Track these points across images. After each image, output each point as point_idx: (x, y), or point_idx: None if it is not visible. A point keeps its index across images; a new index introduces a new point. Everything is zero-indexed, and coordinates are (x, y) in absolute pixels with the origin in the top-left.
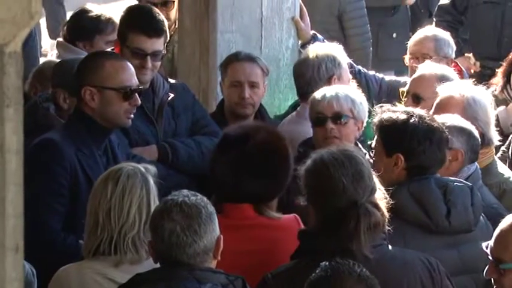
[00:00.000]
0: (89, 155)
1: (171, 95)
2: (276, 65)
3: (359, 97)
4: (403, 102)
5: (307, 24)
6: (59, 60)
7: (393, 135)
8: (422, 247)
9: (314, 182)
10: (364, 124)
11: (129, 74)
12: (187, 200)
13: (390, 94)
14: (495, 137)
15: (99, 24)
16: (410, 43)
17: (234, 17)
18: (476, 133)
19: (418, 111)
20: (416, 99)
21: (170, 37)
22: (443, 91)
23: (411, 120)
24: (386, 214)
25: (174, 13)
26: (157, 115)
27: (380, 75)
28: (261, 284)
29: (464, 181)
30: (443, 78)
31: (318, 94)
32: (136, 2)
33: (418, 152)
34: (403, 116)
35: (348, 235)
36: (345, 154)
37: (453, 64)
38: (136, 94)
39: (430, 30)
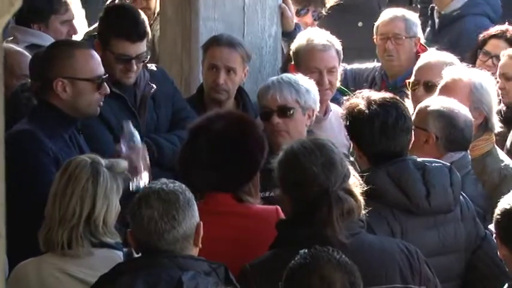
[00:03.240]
0: (61, 144)
1: (154, 87)
2: (258, 53)
3: (305, 85)
4: (410, 93)
5: (292, 12)
6: (15, 45)
7: (347, 128)
8: (404, 229)
9: (286, 172)
10: (316, 111)
11: (98, 63)
12: (164, 187)
13: (356, 81)
14: (497, 124)
15: (53, 4)
16: (379, 24)
17: (216, 4)
18: (464, 123)
19: (371, 94)
20: (428, 87)
21: (150, 26)
22: (449, 74)
23: (357, 106)
24: (362, 200)
25: (154, 2)
26: (140, 108)
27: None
28: (240, 275)
29: (442, 161)
30: (450, 64)
31: (263, 85)
32: None
33: (366, 139)
34: (352, 102)
35: (321, 223)
36: (315, 143)
37: (419, 45)
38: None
39: (397, 10)
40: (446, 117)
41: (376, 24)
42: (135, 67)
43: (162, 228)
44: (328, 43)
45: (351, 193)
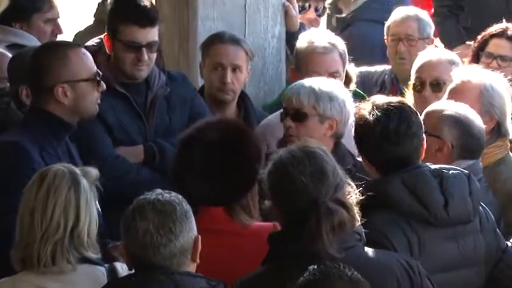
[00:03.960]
0: (54, 153)
1: (167, 89)
2: (261, 55)
3: (331, 93)
4: (414, 95)
5: (297, 11)
6: None
7: (354, 136)
8: (422, 240)
9: (274, 183)
10: (346, 122)
11: (91, 60)
12: (160, 197)
13: (365, 85)
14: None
15: (36, 2)
16: (391, 24)
17: (215, 2)
18: (478, 131)
19: (380, 98)
20: (436, 86)
21: None
22: (459, 75)
23: (359, 114)
24: (356, 212)
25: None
26: (149, 110)
27: None
28: None
29: (460, 169)
30: (452, 62)
31: (289, 86)
32: None
33: (369, 147)
34: (357, 111)
35: (310, 236)
36: (304, 151)
37: (434, 46)
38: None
39: (409, 9)
40: (462, 125)
41: (386, 24)
42: (145, 56)
43: (158, 242)
44: (330, 45)
45: (343, 204)
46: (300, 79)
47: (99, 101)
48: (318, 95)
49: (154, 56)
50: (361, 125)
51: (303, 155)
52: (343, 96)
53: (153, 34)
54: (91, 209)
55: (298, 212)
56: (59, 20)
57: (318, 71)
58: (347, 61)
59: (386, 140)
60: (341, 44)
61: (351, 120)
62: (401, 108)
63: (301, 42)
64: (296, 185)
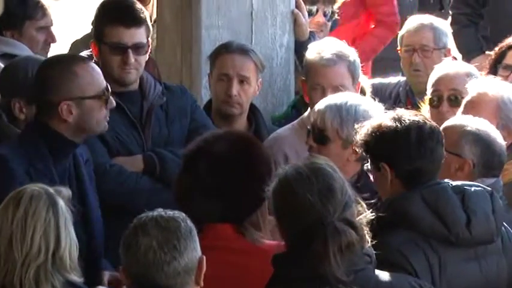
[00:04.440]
0: (44, 170)
1: (164, 99)
2: (268, 65)
3: (359, 116)
4: (430, 110)
5: (306, 19)
6: None
7: (369, 145)
8: (442, 261)
9: (279, 201)
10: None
11: (101, 74)
12: (163, 213)
13: (378, 98)
14: None
15: (28, 9)
16: (404, 33)
17: (220, 10)
18: (500, 148)
19: (401, 112)
20: (454, 101)
21: None
22: (474, 88)
23: (383, 123)
24: (366, 232)
25: (151, 9)
26: (145, 121)
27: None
28: None
29: (482, 185)
30: (471, 75)
31: (320, 102)
32: None
33: (400, 155)
34: (374, 122)
35: (316, 258)
36: (311, 168)
37: (451, 56)
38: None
39: (424, 18)
40: (484, 142)
41: (400, 33)
42: (132, 59)
43: (162, 260)
44: (336, 57)
45: (351, 224)
46: (308, 91)
47: (108, 118)
48: (344, 118)
49: (142, 59)
50: (391, 134)
51: (310, 172)
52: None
53: (139, 35)
54: (70, 231)
55: (303, 232)
56: (53, 28)
57: (321, 84)
58: (359, 73)
59: (419, 151)
60: (352, 55)
61: None
62: (428, 120)
63: (310, 53)
64: (302, 204)
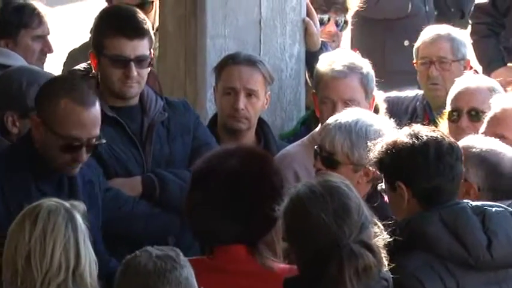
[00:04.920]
0: (19, 185)
1: (165, 115)
2: (277, 77)
3: (370, 138)
4: (448, 125)
5: (318, 29)
6: None
7: (384, 164)
8: (461, 286)
9: (291, 221)
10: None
11: (85, 125)
12: (157, 253)
13: (394, 112)
14: None
15: (23, 16)
16: (420, 45)
17: (226, 18)
18: (509, 169)
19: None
20: (474, 116)
21: None
22: (499, 103)
23: (398, 140)
24: (383, 255)
25: (153, 16)
26: (146, 138)
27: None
28: None
29: (503, 206)
30: (493, 90)
31: (327, 121)
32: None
33: (418, 173)
34: (389, 139)
35: (331, 282)
36: (325, 186)
37: (470, 67)
38: (84, 149)
39: (441, 28)
40: (489, 164)
41: (415, 45)
42: (134, 72)
43: (163, 268)
44: (347, 69)
45: (368, 247)
46: (318, 105)
47: (77, 167)
48: (354, 141)
49: (144, 72)
50: (407, 150)
51: (324, 191)
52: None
53: (142, 47)
54: (89, 247)
55: (317, 254)
56: (49, 37)
57: (330, 97)
58: (373, 87)
59: (438, 168)
60: (365, 67)
61: None
62: (447, 136)
63: (321, 64)
64: (316, 225)
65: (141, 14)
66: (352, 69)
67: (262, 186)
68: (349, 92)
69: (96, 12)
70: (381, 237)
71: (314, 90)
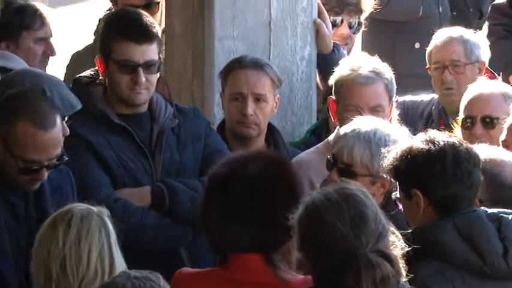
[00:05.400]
0: None
1: (175, 121)
2: (288, 80)
3: (387, 146)
4: (461, 132)
5: (330, 30)
6: None
7: (400, 171)
8: None
9: (306, 230)
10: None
11: (42, 149)
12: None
13: (409, 117)
14: None
15: (25, 18)
16: (432, 49)
17: (235, 19)
18: (508, 180)
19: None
20: (488, 123)
21: None
22: None
23: (414, 146)
24: (401, 265)
25: (159, 17)
26: (155, 146)
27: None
28: None
29: None
30: (507, 96)
31: (342, 130)
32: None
33: (435, 180)
34: (404, 146)
35: None
36: (341, 194)
37: (486, 70)
38: (44, 170)
39: (453, 30)
40: (488, 175)
41: (428, 50)
42: (143, 78)
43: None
44: (373, 75)
45: (386, 256)
46: (338, 112)
47: (36, 184)
48: (374, 152)
49: (153, 78)
50: (424, 156)
51: (340, 198)
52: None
53: (151, 52)
54: (120, 253)
55: (333, 265)
56: (52, 39)
57: (357, 105)
58: (394, 93)
59: (456, 174)
60: (388, 73)
61: None
62: (464, 141)
63: (342, 69)
64: (332, 234)
65: (149, 18)
66: (378, 74)
67: (284, 192)
68: (376, 99)
69: (99, 13)
70: (398, 246)
71: (333, 97)
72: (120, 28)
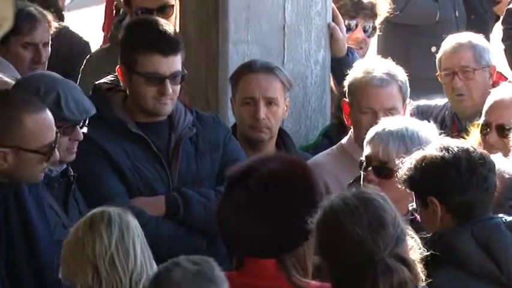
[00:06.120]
0: None
1: (193, 130)
2: (302, 84)
3: (422, 142)
4: (481, 138)
5: (344, 34)
6: None
7: (414, 180)
8: None
9: (324, 234)
10: None
11: (50, 127)
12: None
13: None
14: None
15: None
16: (442, 55)
17: (249, 23)
18: None
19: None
20: (502, 131)
21: None
22: None
23: (427, 154)
24: (420, 270)
25: (173, 21)
26: (172, 154)
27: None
28: None
29: None
30: None
31: (371, 131)
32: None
33: (450, 186)
34: (418, 155)
35: None
36: (359, 198)
37: (496, 74)
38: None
39: (461, 36)
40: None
41: (437, 56)
42: (170, 89)
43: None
44: (387, 77)
45: (404, 261)
46: (352, 114)
47: (46, 170)
48: (409, 147)
49: (178, 88)
50: (438, 164)
51: (358, 203)
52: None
53: (176, 63)
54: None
55: (351, 269)
56: (42, 45)
57: (372, 107)
58: (407, 95)
59: (471, 180)
60: (401, 75)
61: None
62: (478, 147)
63: (356, 72)
64: (349, 238)
65: (171, 27)
66: (392, 76)
67: (304, 191)
68: (391, 101)
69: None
70: (417, 250)
71: (347, 99)
72: (145, 40)
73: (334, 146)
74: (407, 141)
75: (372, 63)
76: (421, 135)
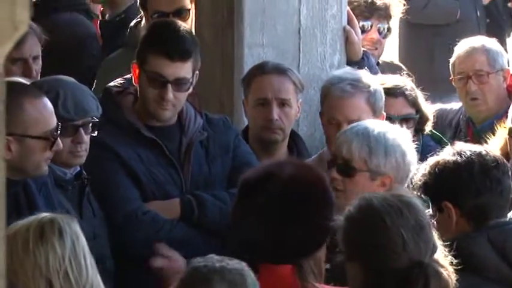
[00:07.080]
0: None
1: (204, 134)
2: (317, 87)
3: (388, 146)
4: (503, 136)
5: (359, 37)
6: None
7: (429, 185)
8: None
9: (362, 235)
10: (404, 179)
11: (51, 113)
12: (225, 265)
13: (438, 126)
14: None
15: None
16: (455, 60)
17: (265, 27)
18: None
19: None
20: None
21: None
22: None
23: (441, 159)
24: (453, 275)
25: (189, 24)
26: (184, 158)
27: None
28: None
29: None
30: None
31: (342, 130)
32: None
33: (464, 190)
34: (432, 160)
35: None
36: (402, 201)
37: (510, 77)
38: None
39: (475, 40)
40: None
41: (451, 61)
42: (171, 95)
43: None
44: (351, 89)
45: (443, 266)
46: (323, 125)
47: (49, 161)
48: (372, 147)
49: (182, 96)
50: (451, 168)
51: (402, 206)
52: (403, 148)
53: (184, 70)
54: None
55: (394, 273)
56: (32, 60)
57: (336, 118)
58: (381, 106)
59: (484, 183)
60: (373, 85)
61: (411, 174)
62: (492, 152)
63: (326, 82)
64: (394, 240)
65: (191, 34)
66: (358, 88)
67: (320, 194)
68: (356, 112)
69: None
70: (446, 256)
71: (320, 110)
72: (157, 40)
73: (314, 156)
74: (371, 140)
75: (341, 73)
76: (388, 137)
